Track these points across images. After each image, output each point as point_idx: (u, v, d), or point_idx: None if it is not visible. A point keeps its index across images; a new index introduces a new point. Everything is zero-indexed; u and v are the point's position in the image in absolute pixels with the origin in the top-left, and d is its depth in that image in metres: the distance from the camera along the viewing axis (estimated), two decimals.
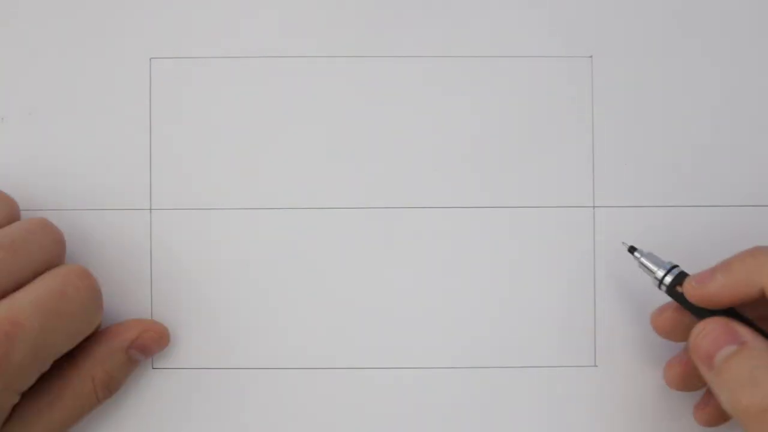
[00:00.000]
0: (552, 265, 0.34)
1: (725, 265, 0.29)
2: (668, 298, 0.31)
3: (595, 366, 0.34)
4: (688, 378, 0.31)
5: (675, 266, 0.31)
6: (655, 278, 0.31)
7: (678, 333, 0.31)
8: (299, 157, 0.34)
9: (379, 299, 0.34)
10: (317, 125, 0.34)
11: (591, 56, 0.34)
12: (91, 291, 0.30)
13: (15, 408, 0.29)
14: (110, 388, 0.32)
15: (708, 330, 0.28)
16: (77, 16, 0.34)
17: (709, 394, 0.32)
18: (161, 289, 0.34)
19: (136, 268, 0.34)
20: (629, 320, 0.34)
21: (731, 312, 0.29)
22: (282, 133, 0.34)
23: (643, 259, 0.31)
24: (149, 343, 0.33)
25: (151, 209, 0.34)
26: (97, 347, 0.31)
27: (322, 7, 0.35)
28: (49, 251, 0.30)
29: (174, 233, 0.34)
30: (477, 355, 0.34)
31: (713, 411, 0.32)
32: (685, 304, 0.30)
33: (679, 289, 0.30)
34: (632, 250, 0.32)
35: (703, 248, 0.34)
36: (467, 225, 0.34)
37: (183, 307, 0.34)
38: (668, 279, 0.30)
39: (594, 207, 0.34)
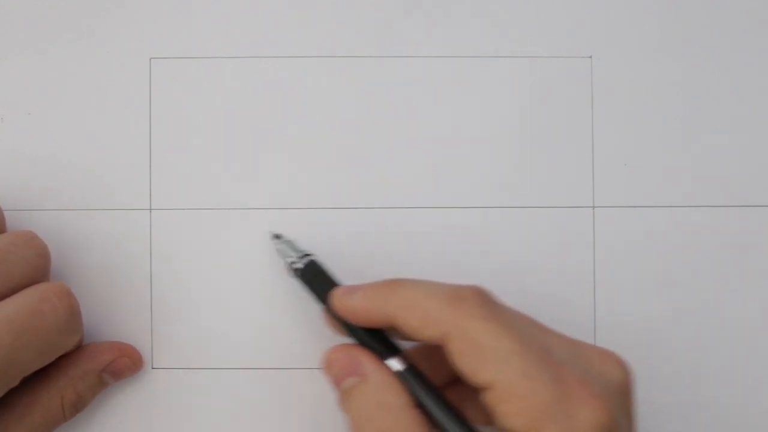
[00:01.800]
0: (552, 265, 0.34)
1: (366, 286, 0.29)
2: None
3: None
4: None
5: (308, 254, 0.31)
6: (287, 263, 0.31)
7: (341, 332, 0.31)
8: (299, 157, 0.34)
9: None
10: (317, 125, 0.34)
11: (591, 56, 0.35)
12: (69, 311, 0.29)
13: None
14: (77, 407, 0.32)
15: (334, 358, 0.29)
16: (77, 16, 0.34)
17: None
18: (161, 289, 0.34)
19: (136, 268, 0.34)
20: (629, 320, 0.34)
21: (375, 331, 0.29)
22: (282, 133, 0.34)
23: (278, 246, 0.32)
24: (123, 369, 0.33)
25: (151, 209, 0.34)
26: (72, 367, 0.31)
27: (322, 7, 0.35)
28: (31, 265, 0.30)
29: (174, 233, 0.34)
30: None
31: None
32: (312, 293, 0.31)
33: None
34: (276, 236, 0.32)
35: (703, 248, 0.34)
36: (467, 225, 0.34)
37: (183, 306, 0.34)
38: (297, 265, 0.31)
39: (594, 207, 0.34)
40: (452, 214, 0.34)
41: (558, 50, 0.35)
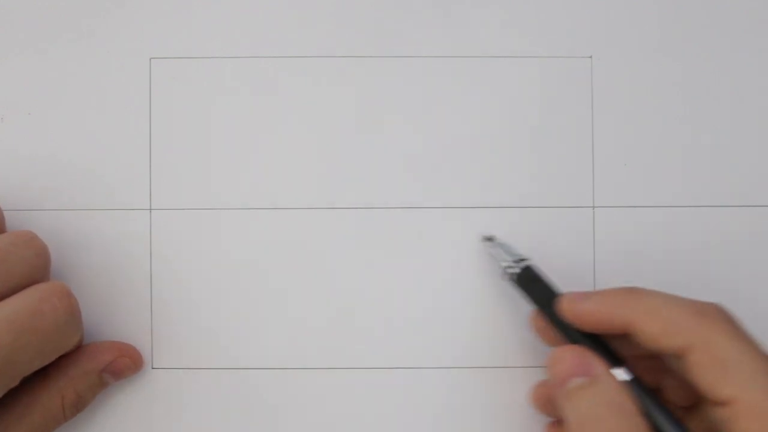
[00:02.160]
0: (552, 265, 0.34)
1: (601, 292, 0.29)
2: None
3: None
4: (553, 402, 0.31)
5: (523, 259, 0.31)
6: (501, 267, 0.32)
7: (545, 337, 0.31)
8: (299, 157, 0.34)
9: (379, 299, 0.34)
10: (317, 125, 0.34)
11: (591, 56, 0.35)
12: (68, 311, 0.29)
13: None
14: (78, 407, 0.32)
15: (564, 357, 0.28)
16: (77, 16, 0.34)
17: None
18: (161, 289, 0.34)
19: (136, 268, 0.34)
20: None
21: (597, 339, 0.29)
22: (282, 133, 0.34)
23: (492, 249, 0.32)
24: (123, 369, 0.33)
25: (151, 209, 0.34)
26: (72, 367, 0.31)
27: (322, 7, 0.35)
28: (31, 265, 0.30)
29: (174, 233, 0.34)
30: (476, 354, 0.34)
31: None
32: (529, 298, 0.31)
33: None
34: (488, 239, 0.32)
35: (703, 248, 0.34)
36: (467, 225, 0.34)
37: (183, 307, 0.34)
38: (513, 270, 0.31)
39: (594, 207, 0.34)
40: (452, 214, 0.34)
41: (558, 50, 0.35)
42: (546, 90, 0.34)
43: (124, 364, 0.33)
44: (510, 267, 0.31)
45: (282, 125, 0.34)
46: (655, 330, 0.27)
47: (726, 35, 0.35)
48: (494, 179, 0.34)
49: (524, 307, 0.34)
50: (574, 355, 0.28)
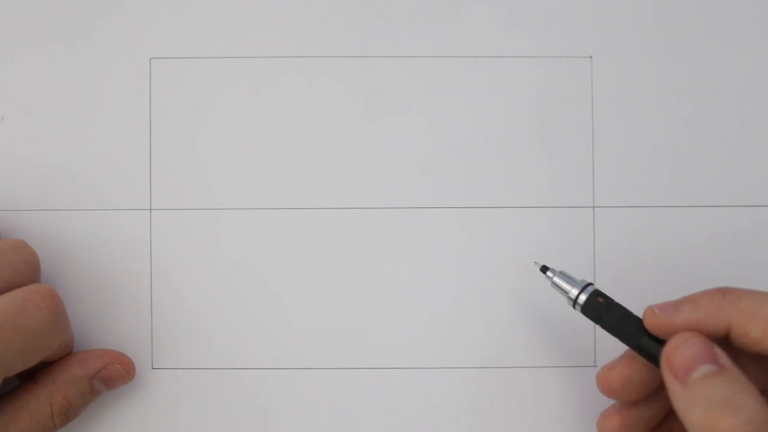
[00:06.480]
0: (552, 265, 0.34)
1: (690, 299, 0.28)
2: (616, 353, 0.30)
3: (595, 366, 0.34)
4: (626, 430, 0.30)
5: (589, 284, 0.30)
6: (569, 298, 0.30)
7: (628, 391, 0.30)
8: (299, 157, 0.34)
9: (379, 299, 0.34)
10: (317, 125, 0.34)
11: (591, 56, 0.35)
12: (53, 311, 0.29)
13: None
14: (68, 415, 0.31)
15: (690, 343, 0.27)
16: (77, 16, 0.34)
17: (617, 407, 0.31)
18: (161, 289, 0.34)
19: (136, 268, 0.34)
20: None
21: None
22: (281, 133, 0.34)
23: (555, 279, 0.30)
24: (114, 376, 0.32)
25: (151, 209, 0.34)
26: (61, 372, 0.31)
27: (322, 7, 0.35)
28: (19, 271, 0.30)
29: (174, 233, 0.34)
30: (476, 355, 0.34)
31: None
32: (605, 326, 0.29)
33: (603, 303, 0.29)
34: (544, 269, 0.31)
35: (703, 248, 0.34)
36: (467, 225, 0.34)
37: (183, 307, 0.34)
38: (582, 297, 0.29)
39: (594, 207, 0.34)
40: (452, 214, 0.34)
41: (558, 50, 0.35)
42: (546, 90, 0.34)
43: (115, 371, 0.32)
44: (578, 296, 0.29)
45: (282, 125, 0.34)
46: (755, 334, 0.26)
47: (726, 35, 0.35)
48: (494, 179, 0.34)
49: (526, 306, 0.34)
50: (701, 342, 0.27)
